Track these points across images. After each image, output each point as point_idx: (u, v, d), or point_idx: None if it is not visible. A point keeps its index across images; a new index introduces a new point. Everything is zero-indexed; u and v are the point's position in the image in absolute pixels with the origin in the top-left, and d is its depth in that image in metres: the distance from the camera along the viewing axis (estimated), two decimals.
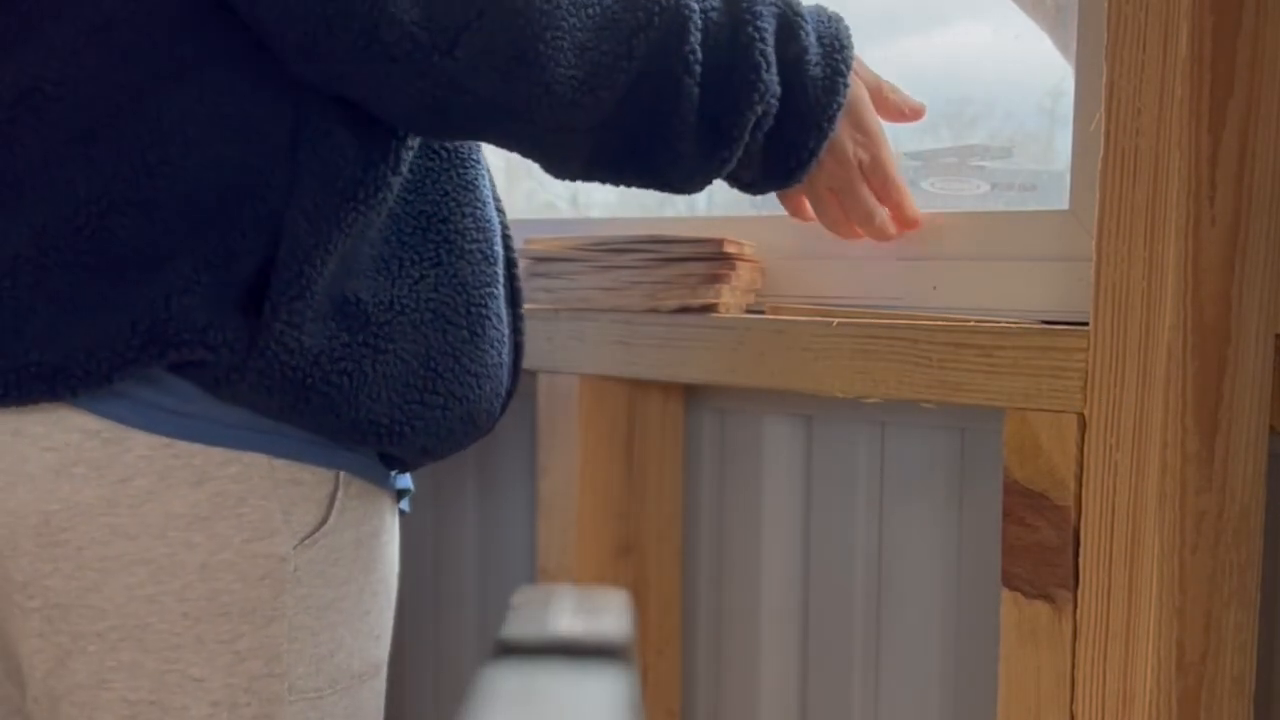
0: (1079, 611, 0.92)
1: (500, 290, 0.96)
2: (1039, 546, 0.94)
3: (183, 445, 0.85)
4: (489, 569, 1.48)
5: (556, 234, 1.30)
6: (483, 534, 1.49)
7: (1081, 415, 0.91)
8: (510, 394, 0.98)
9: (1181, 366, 0.87)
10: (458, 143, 0.95)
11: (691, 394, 1.31)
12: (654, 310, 1.18)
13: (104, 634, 0.85)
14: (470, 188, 0.95)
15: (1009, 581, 0.96)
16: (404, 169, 0.90)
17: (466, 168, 0.96)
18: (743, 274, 1.18)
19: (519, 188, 1.74)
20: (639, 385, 1.28)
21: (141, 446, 0.84)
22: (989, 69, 1.33)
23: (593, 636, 0.41)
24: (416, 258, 0.91)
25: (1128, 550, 0.89)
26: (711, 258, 1.17)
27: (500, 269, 0.97)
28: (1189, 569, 0.89)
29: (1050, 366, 0.92)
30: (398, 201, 0.91)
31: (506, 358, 0.97)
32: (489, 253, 0.96)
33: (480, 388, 0.94)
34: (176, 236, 0.83)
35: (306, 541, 0.89)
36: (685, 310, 1.16)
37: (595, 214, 1.74)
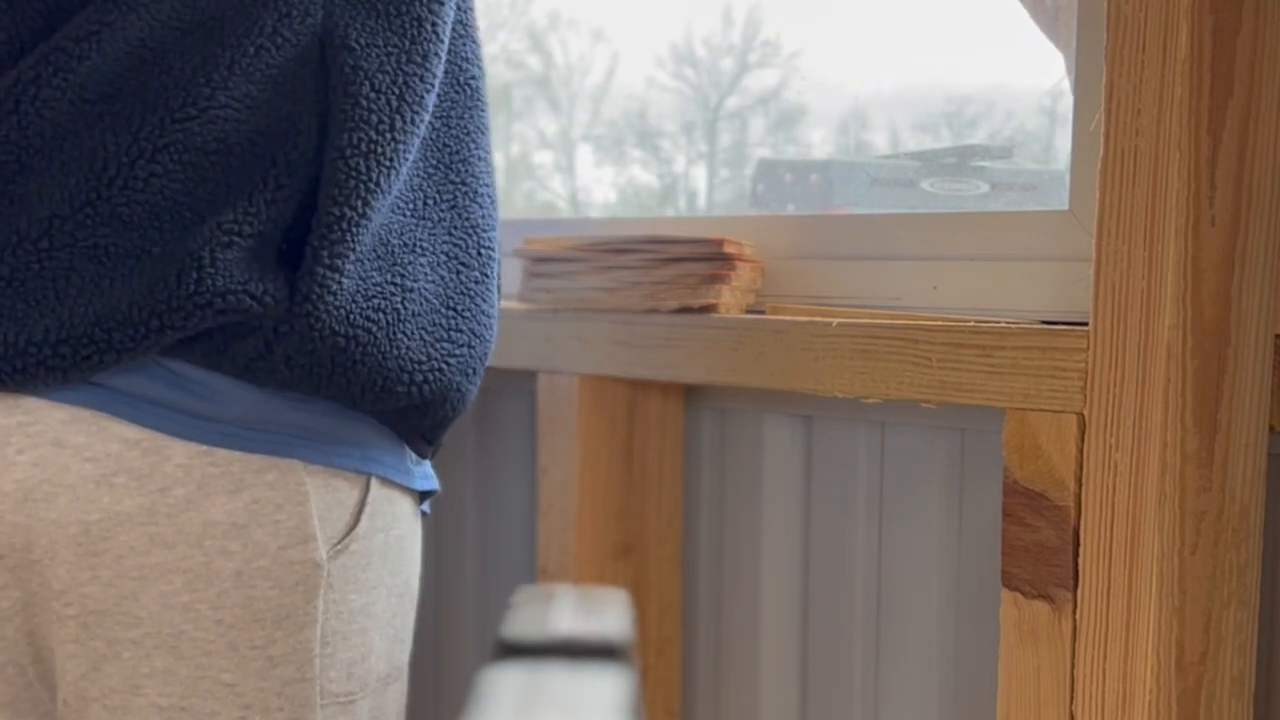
0: (1079, 611, 0.92)
1: (499, 234, 0.97)
2: (1039, 546, 0.94)
3: (221, 453, 0.85)
4: (489, 569, 1.48)
5: (556, 234, 1.30)
6: (483, 534, 1.49)
7: (1081, 415, 0.91)
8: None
9: (1181, 366, 0.87)
10: (477, 81, 0.96)
11: (691, 394, 1.31)
12: (654, 310, 1.18)
13: (139, 640, 0.86)
14: (484, 130, 0.97)
15: (1009, 581, 0.96)
16: (438, 84, 0.90)
17: (483, 109, 0.97)
18: (743, 274, 1.18)
19: (519, 188, 1.74)
20: (639, 385, 1.28)
21: (180, 455, 0.84)
22: (989, 69, 1.33)
23: (593, 636, 0.41)
24: (437, 198, 0.92)
25: (1127, 550, 0.89)
26: (711, 258, 1.17)
27: (498, 213, 0.98)
28: (1189, 569, 0.89)
29: (1050, 366, 0.92)
30: (429, 128, 0.91)
31: (498, 300, 0.98)
32: (494, 196, 0.97)
33: (492, 328, 0.95)
34: (210, 184, 0.83)
35: (339, 547, 0.89)
36: (685, 310, 1.16)
37: (595, 214, 1.75)
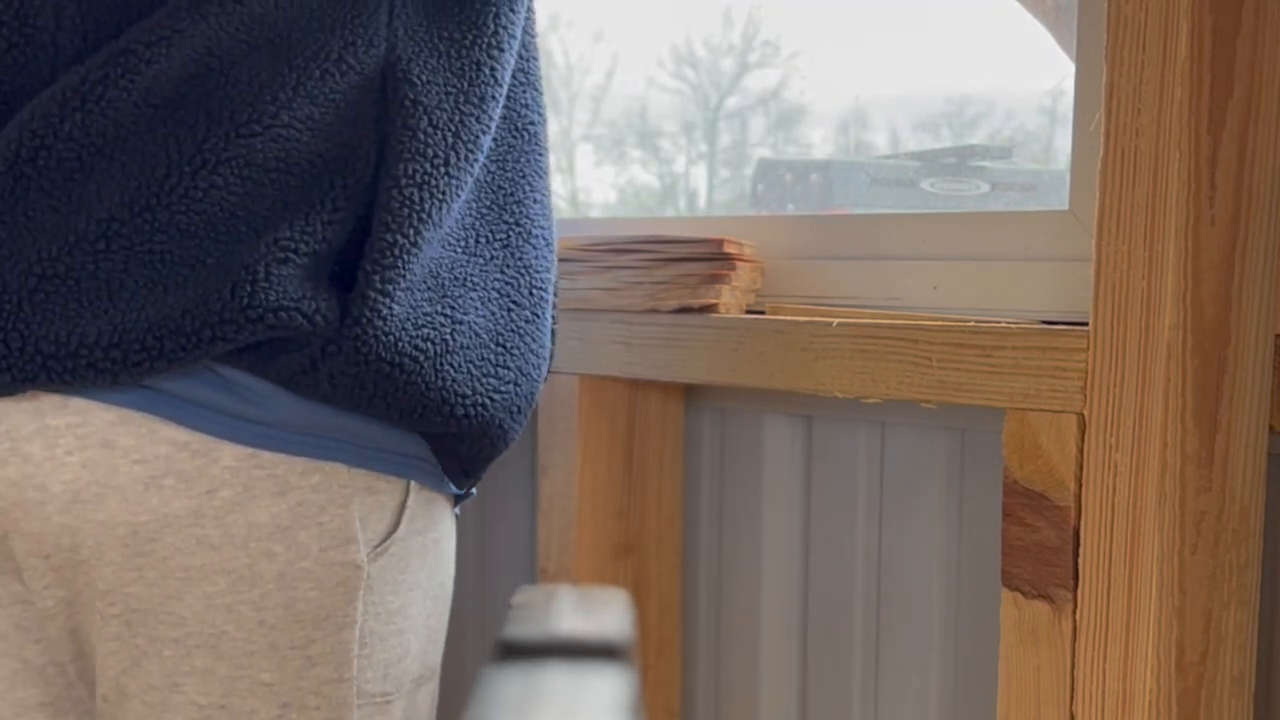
0: (1079, 611, 0.92)
1: (553, 276, 0.98)
2: (1039, 546, 0.94)
3: (267, 456, 0.85)
4: (489, 569, 1.48)
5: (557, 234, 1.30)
6: (483, 534, 1.49)
7: (1081, 415, 0.91)
8: (546, 378, 1.00)
9: (1181, 366, 0.87)
10: (537, 128, 0.97)
11: (691, 394, 1.31)
12: (654, 310, 1.18)
13: (180, 640, 0.86)
14: (542, 174, 0.97)
15: (1009, 581, 0.96)
16: (494, 128, 0.91)
17: (542, 154, 0.98)
18: (743, 274, 1.18)
19: None
20: (639, 385, 1.28)
21: (228, 458, 0.85)
22: (989, 69, 1.33)
23: (593, 636, 0.41)
24: (490, 236, 0.93)
25: (1127, 550, 0.89)
26: (711, 258, 1.17)
27: (554, 257, 0.99)
28: (1189, 569, 0.89)
29: (1050, 366, 0.92)
30: (483, 169, 0.92)
31: (549, 343, 0.98)
32: (550, 239, 0.98)
33: (539, 368, 0.95)
34: (268, 201, 0.84)
35: (379, 549, 0.90)
36: (685, 310, 1.16)
37: (595, 214, 1.75)
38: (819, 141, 1.57)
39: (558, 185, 1.75)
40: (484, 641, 1.48)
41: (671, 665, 1.31)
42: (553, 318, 0.99)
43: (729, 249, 1.17)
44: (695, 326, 1.14)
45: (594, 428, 1.27)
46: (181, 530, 0.85)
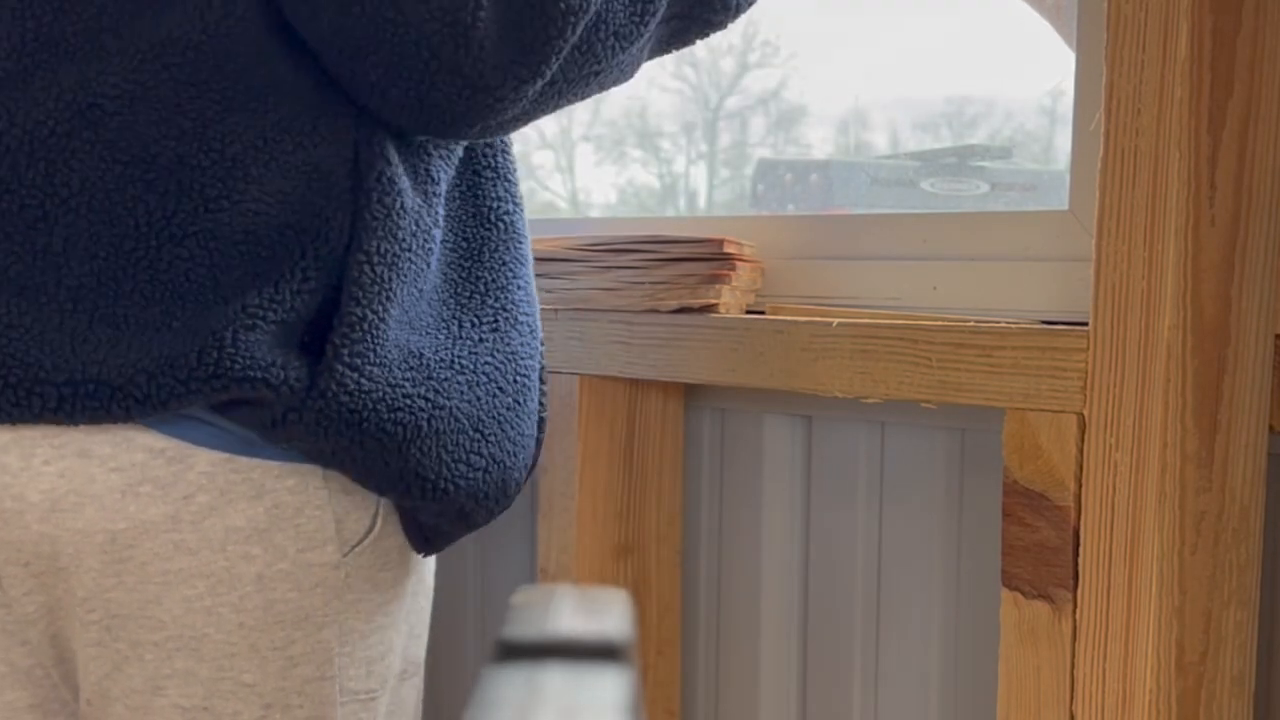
0: (1079, 611, 0.92)
1: (538, 364, 0.98)
2: (1039, 546, 0.94)
3: (243, 460, 0.86)
4: (489, 569, 1.48)
5: (556, 234, 1.30)
6: (483, 534, 1.49)
7: (1081, 415, 0.91)
8: (532, 469, 0.99)
9: (1181, 366, 0.87)
10: (512, 217, 0.97)
11: (691, 394, 1.31)
12: (654, 310, 1.18)
13: (161, 643, 0.87)
14: (523, 261, 0.97)
15: (1009, 581, 0.96)
16: (442, 223, 0.92)
17: (521, 242, 0.98)
18: (743, 274, 1.18)
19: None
20: (639, 385, 1.28)
21: (204, 463, 0.85)
22: (989, 69, 1.33)
23: (593, 636, 0.41)
24: (476, 320, 0.93)
25: (1127, 550, 0.89)
26: (711, 258, 1.17)
27: (540, 344, 0.98)
28: (1189, 569, 0.89)
29: (1050, 366, 0.92)
30: (455, 268, 0.93)
31: (535, 431, 0.97)
32: (535, 326, 0.97)
33: (516, 456, 0.95)
34: (237, 271, 0.83)
35: (357, 548, 0.90)
36: (685, 310, 1.16)
37: (595, 214, 1.75)
38: (819, 141, 1.57)
39: (558, 185, 1.75)
40: (484, 641, 1.48)
41: (671, 665, 1.31)
42: (541, 404, 0.99)
43: (729, 249, 1.17)
44: (695, 326, 1.14)
45: (594, 428, 1.27)
46: (159, 536, 0.85)
